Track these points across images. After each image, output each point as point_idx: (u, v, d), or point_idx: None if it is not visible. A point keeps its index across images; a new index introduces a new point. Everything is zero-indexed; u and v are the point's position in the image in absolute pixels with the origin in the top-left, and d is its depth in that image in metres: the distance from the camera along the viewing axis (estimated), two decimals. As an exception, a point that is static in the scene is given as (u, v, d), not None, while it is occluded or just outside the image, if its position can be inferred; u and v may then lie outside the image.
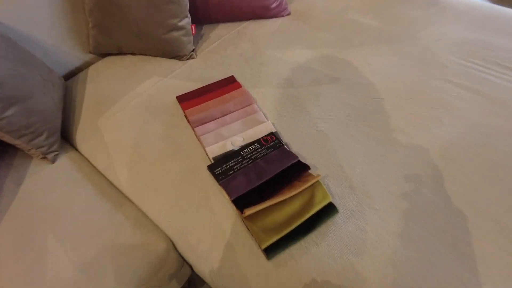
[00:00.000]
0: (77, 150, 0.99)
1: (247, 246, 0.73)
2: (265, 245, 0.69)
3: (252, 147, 0.85)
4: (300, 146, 0.88)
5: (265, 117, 0.93)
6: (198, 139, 0.90)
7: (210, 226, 0.77)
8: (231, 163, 0.82)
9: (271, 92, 1.01)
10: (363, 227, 0.74)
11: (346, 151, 0.87)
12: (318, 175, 0.76)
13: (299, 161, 0.80)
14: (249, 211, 0.70)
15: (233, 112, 0.94)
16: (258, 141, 0.86)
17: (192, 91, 1.01)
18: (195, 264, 0.77)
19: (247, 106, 0.95)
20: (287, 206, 0.74)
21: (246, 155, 0.83)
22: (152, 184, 0.85)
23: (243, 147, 0.85)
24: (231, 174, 0.80)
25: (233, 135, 0.89)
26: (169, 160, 0.88)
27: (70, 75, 1.17)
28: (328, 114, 0.95)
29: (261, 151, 0.84)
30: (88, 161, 0.96)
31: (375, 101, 0.96)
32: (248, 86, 1.03)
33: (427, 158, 0.83)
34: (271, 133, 0.88)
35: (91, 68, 1.16)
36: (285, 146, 0.86)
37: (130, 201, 0.87)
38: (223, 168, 0.81)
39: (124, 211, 0.83)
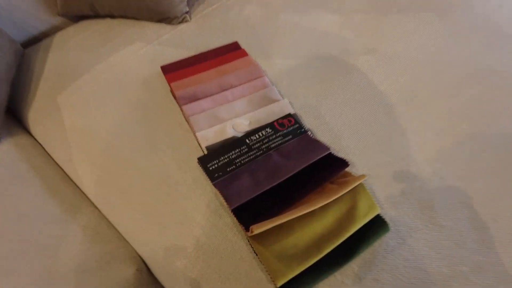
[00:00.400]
0: (29, 133, 0.75)
1: (255, 279, 0.49)
2: (281, 281, 0.45)
3: (262, 133, 0.61)
4: (328, 137, 0.64)
5: (280, 95, 0.69)
6: (188, 122, 0.66)
7: (199, 247, 0.53)
8: (232, 154, 0.58)
9: (288, 65, 0.76)
10: (426, 252, 0.50)
11: (393, 143, 0.62)
12: (363, 176, 0.52)
13: (332, 154, 0.56)
14: (258, 229, 0.45)
15: (236, 86, 0.70)
16: (270, 125, 0.62)
17: (181, 60, 0.76)
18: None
19: (255, 79, 0.71)
20: (315, 222, 0.49)
21: (254, 144, 0.59)
22: (123, 185, 0.61)
23: (250, 133, 0.61)
24: (231, 170, 0.56)
25: (236, 117, 0.64)
26: (147, 152, 0.64)
27: (33, 42, 0.93)
28: (363, 95, 0.70)
29: (275, 139, 0.60)
30: (43, 148, 0.72)
31: (426, 79, 0.72)
32: (257, 57, 0.78)
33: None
34: (289, 115, 0.64)
35: (59, 34, 0.92)
36: (309, 133, 0.61)
37: (92, 205, 0.63)
38: (220, 161, 0.57)
39: (81, 219, 0.59)
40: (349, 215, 0.49)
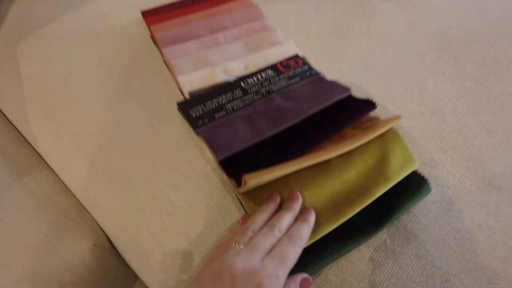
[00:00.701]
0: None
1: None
2: None
3: (261, 76, 0.48)
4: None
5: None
6: (169, 68, 0.53)
7: (176, 215, 0.40)
8: (222, 99, 0.45)
9: (295, 8, 0.64)
10: (482, 219, 0.37)
11: (425, 92, 0.50)
12: (397, 117, 0.39)
13: (354, 96, 0.43)
14: (252, 179, 0.32)
15: (229, 28, 0.57)
16: (272, 66, 0.49)
17: (165, 5, 0.64)
18: (143, 276, 0.40)
19: (253, 21, 0.58)
20: (332, 177, 0.36)
21: (251, 88, 0.46)
22: (85, 143, 0.48)
23: (246, 77, 0.48)
24: (220, 117, 0.43)
25: (228, 60, 0.51)
26: (116, 104, 0.51)
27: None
28: (386, 41, 0.57)
29: (278, 81, 0.47)
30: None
31: (462, 22, 0.59)
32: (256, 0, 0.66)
33: None
34: (297, 56, 0.51)
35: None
36: (323, 76, 0.48)
37: (48, 168, 0.50)
38: (205, 107, 0.44)
39: (29, 183, 0.46)
40: (378, 169, 0.36)
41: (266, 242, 0.30)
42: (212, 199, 0.40)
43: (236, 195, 0.39)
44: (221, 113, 0.43)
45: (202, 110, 0.43)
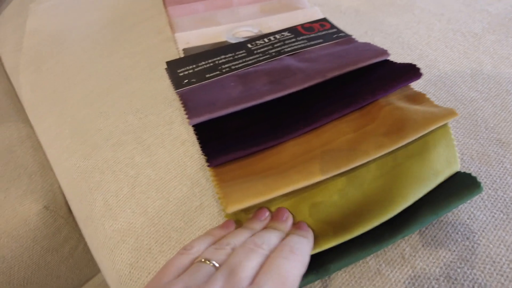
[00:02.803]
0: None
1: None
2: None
3: (274, 38, 0.39)
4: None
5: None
6: (171, 28, 0.46)
7: (139, 182, 0.32)
8: (219, 59, 0.37)
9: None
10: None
11: (481, 73, 0.39)
12: (452, 112, 0.27)
13: (390, 61, 0.33)
14: (233, 204, 0.23)
15: (246, -8, 0.50)
16: (291, 28, 0.41)
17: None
18: (93, 253, 0.33)
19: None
20: (346, 177, 0.26)
21: (259, 49, 0.38)
22: (62, 92, 0.43)
23: (256, 38, 0.40)
24: (212, 77, 0.35)
25: (238, 22, 0.44)
26: (107, 57, 0.45)
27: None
28: (435, 17, 0.47)
29: (294, 42, 0.38)
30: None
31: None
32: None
33: None
34: (324, 19, 0.42)
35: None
36: (356, 40, 0.39)
37: (26, 118, 0.45)
38: (198, 66, 0.36)
39: (1, 131, 0.41)
40: (411, 170, 0.26)
41: (252, 260, 0.20)
42: (184, 171, 0.32)
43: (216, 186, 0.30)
44: (214, 73, 0.35)
45: (193, 69, 0.36)
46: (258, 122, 0.30)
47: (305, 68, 0.32)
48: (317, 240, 0.24)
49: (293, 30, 0.40)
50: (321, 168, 0.25)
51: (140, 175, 0.32)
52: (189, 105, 0.30)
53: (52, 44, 0.50)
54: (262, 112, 0.30)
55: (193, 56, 0.38)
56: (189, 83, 0.34)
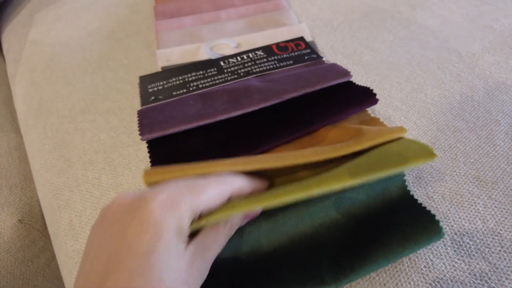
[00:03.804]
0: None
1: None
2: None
3: (247, 56, 0.39)
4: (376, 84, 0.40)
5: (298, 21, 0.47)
6: (157, 43, 0.47)
7: (99, 207, 0.32)
8: (190, 77, 0.37)
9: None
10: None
11: (471, 102, 0.36)
12: (401, 129, 0.26)
13: (353, 83, 0.31)
14: (152, 175, 0.23)
15: (237, 6, 0.49)
16: (265, 47, 0.40)
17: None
18: (60, 268, 0.34)
19: (266, 0, 0.50)
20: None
21: (229, 68, 0.38)
22: (51, 108, 0.44)
23: (229, 56, 0.40)
24: (177, 94, 0.35)
25: (221, 38, 0.43)
26: (95, 75, 0.46)
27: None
28: (431, 35, 0.45)
29: (264, 63, 0.37)
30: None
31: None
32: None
33: None
34: (301, 39, 0.41)
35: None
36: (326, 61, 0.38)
37: (14, 131, 0.47)
38: (168, 83, 0.36)
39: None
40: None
41: None
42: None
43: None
44: (181, 91, 0.35)
45: (163, 86, 0.36)
46: (213, 143, 0.29)
47: (263, 89, 0.31)
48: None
49: (267, 49, 0.39)
50: (246, 161, 0.24)
51: (103, 197, 0.32)
52: (144, 122, 0.29)
53: (47, 56, 0.51)
54: (218, 131, 0.30)
55: (167, 72, 0.38)
56: (156, 100, 0.34)
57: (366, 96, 0.29)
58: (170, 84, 0.36)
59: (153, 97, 0.34)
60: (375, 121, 0.29)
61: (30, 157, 0.41)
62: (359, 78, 0.40)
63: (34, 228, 0.37)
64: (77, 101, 0.43)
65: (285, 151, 0.28)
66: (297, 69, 0.35)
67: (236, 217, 0.23)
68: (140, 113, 0.31)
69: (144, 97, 0.35)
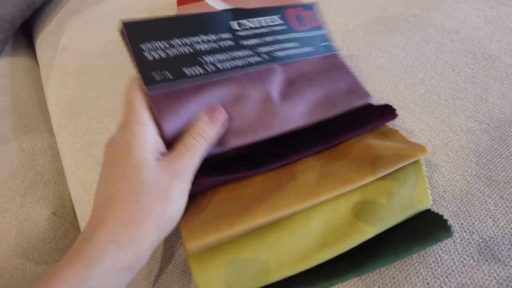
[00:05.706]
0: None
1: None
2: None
3: (263, 21, 0.34)
4: (387, 93, 0.41)
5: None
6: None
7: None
8: (201, 43, 0.30)
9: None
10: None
11: (484, 103, 0.36)
12: (423, 149, 0.27)
13: (373, 105, 0.33)
14: (194, 240, 0.24)
15: None
16: (278, 9, 0.35)
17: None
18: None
19: None
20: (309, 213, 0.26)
21: (246, 38, 0.32)
22: (80, 110, 0.47)
23: (241, 14, 0.33)
24: (192, 77, 0.29)
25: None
26: (117, 80, 0.49)
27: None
28: (447, 37, 0.45)
29: (285, 41, 0.35)
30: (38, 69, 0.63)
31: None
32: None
33: None
34: (313, 7, 0.38)
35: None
36: (341, 58, 0.38)
37: (50, 131, 0.51)
38: (170, 46, 0.28)
39: (25, 141, 0.47)
40: (377, 206, 0.26)
41: None
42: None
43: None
44: (195, 69, 0.28)
45: (165, 50, 0.28)
46: (234, 154, 0.30)
47: (293, 102, 0.32)
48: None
49: (284, 16, 0.36)
50: (284, 202, 0.25)
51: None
52: (163, 118, 0.26)
53: (77, 61, 0.55)
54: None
55: (163, 22, 0.28)
56: (163, 80, 0.27)
57: (386, 113, 0.30)
58: (176, 51, 0.28)
59: (158, 74, 0.27)
60: (394, 133, 0.30)
61: (62, 155, 0.45)
62: (373, 81, 0.41)
63: (66, 221, 0.40)
64: (105, 103, 0.46)
65: (306, 164, 0.29)
66: (319, 68, 0.35)
67: (211, 136, 0.27)
68: (159, 110, 0.26)
69: (145, 67, 0.27)
